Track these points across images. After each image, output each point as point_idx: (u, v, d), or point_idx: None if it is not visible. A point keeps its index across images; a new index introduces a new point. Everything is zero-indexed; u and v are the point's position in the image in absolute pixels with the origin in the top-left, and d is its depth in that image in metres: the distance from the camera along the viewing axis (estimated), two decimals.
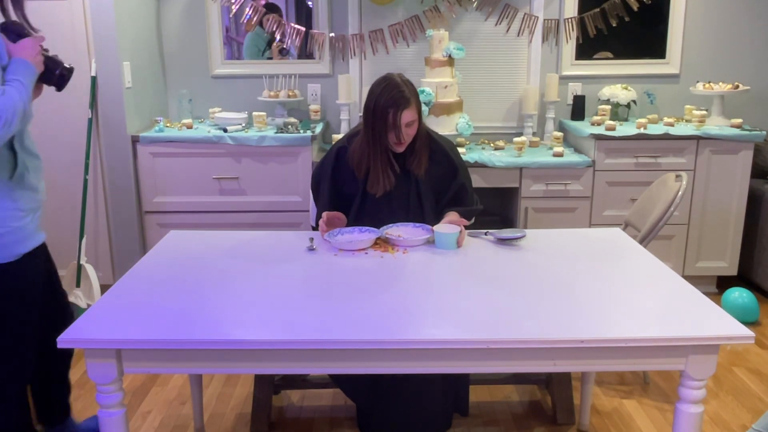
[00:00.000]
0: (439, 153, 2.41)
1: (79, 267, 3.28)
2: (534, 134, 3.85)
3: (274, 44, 3.88)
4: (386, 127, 2.25)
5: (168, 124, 3.69)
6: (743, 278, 3.75)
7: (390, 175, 2.33)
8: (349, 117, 3.78)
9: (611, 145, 3.45)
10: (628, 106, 3.81)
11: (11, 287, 1.87)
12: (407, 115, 2.24)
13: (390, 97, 2.22)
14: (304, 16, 3.86)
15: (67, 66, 2.04)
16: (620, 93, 3.78)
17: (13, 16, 1.96)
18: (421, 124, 2.34)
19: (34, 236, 1.93)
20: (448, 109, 3.51)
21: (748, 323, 3.24)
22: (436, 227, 2.24)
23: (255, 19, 3.79)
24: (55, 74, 1.99)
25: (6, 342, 1.91)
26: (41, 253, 1.96)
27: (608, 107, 3.77)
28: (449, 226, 2.24)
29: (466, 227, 2.45)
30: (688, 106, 3.79)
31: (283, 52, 3.90)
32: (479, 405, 2.64)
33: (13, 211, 1.87)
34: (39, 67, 1.90)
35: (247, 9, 3.77)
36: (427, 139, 2.39)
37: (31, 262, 1.91)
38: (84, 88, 3.32)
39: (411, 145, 2.35)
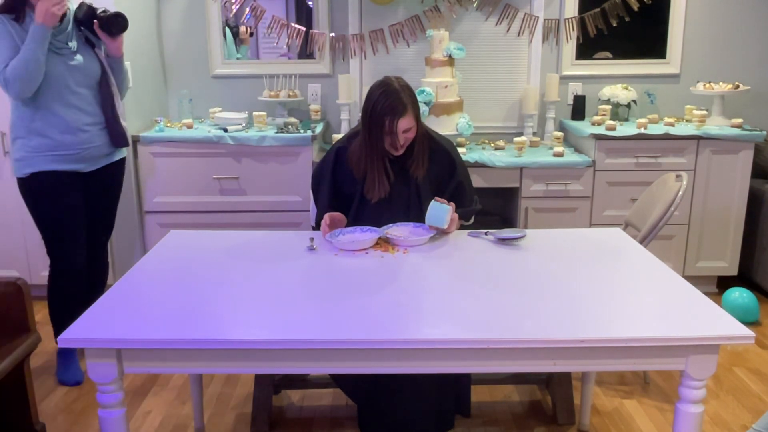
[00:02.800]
0: (439, 152, 2.41)
1: None
2: (534, 134, 3.85)
3: (241, 31, 3.89)
4: (382, 133, 2.25)
5: (168, 124, 3.69)
6: (743, 278, 3.75)
7: (385, 182, 2.33)
8: (349, 117, 3.78)
9: (611, 145, 3.45)
10: (628, 106, 3.81)
11: (28, 194, 2.69)
12: (404, 123, 2.24)
13: (387, 104, 2.22)
14: (304, 16, 3.87)
15: (105, 14, 2.69)
16: (620, 93, 3.78)
17: None
18: (419, 129, 2.33)
19: (40, 165, 2.63)
20: (449, 109, 3.51)
21: (748, 323, 3.24)
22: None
23: (255, 19, 3.79)
24: (103, 24, 2.68)
25: (47, 233, 2.74)
26: (52, 176, 2.66)
27: (608, 107, 3.76)
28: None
29: (465, 227, 2.45)
30: (688, 106, 3.79)
31: (252, 34, 3.92)
32: (479, 405, 2.64)
33: (23, 145, 2.64)
34: (50, 21, 2.49)
35: (247, 9, 3.77)
36: (426, 141, 2.38)
37: (35, 180, 2.64)
38: None
39: (410, 148, 2.34)
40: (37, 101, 2.59)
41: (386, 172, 2.33)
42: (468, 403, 2.39)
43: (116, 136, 2.80)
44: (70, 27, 2.65)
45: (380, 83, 2.28)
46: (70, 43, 2.63)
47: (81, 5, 2.68)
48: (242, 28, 3.90)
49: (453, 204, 2.29)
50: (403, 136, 2.26)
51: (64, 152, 2.65)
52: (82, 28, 2.71)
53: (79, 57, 2.66)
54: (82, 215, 2.78)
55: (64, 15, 2.62)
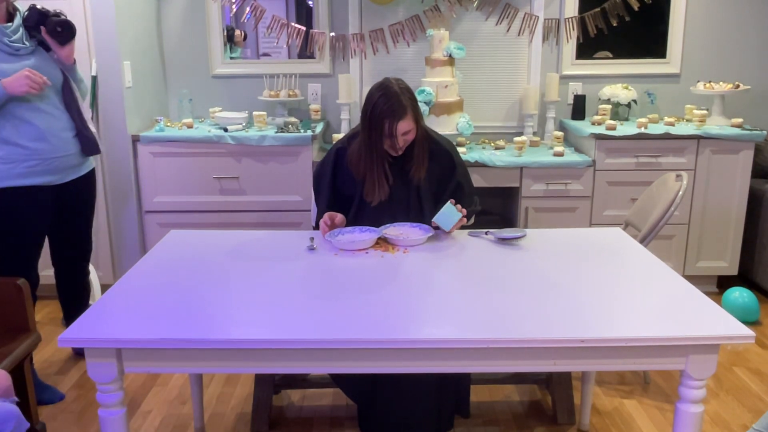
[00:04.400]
0: (439, 153, 2.41)
1: None
2: (534, 134, 3.85)
3: (236, 34, 3.89)
4: (382, 135, 2.25)
5: (168, 124, 3.69)
6: (744, 278, 3.75)
7: (384, 185, 2.33)
8: (349, 117, 3.78)
9: (612, 144, 3.45)
10: (628, 105, 3.81)
11: None
12: (403, 126, 2.23)
13: (387, 107, 2.21)
14: (304, 15, 3.87)
15: (54, 19, 2.53)
16: (621, 92, 3.78)
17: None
18: (419, 131, 2.33)
19: (8, 180, 2.49)
20: (449, 108, 3.51)
21: (748, 323, 3.24)
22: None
23: (256, 19, 3.79)
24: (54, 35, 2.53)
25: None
26: (20, 194, 2.53)
27: (609, 107, 3.77)
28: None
29: (464, 227, 2.45)
30: (688, 106, 3.79)
31: (245, 37, 3.93)
32: (479, 405, 2.64)
33: None
34: (16, 93, 2.41)
35: (248, 9, 3.77)
36: (426, 142, 2.38)
37: (6, 196, 2.50)
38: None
39: (410, 150, 2.34)
40: (3, 108, 2.46)
41: (386, 176, 2.33)
42: (468, 403, 2.39)
43: (86, 143, 2.68)
44: (21, 29, 2.51)
45: (380, 85, 2.28)
46: (27, 42, 2.51)
47: (30, 8, 2.54)
48: (237, 32, 3.90)
49: (465, 211, 2.28)
50: (403, 138, 2.26)
51: (36, 161, 2.52)
52: (33, 32, 2.55)
53: (36, 59, 2.52)
54: (43, 237, 2.68)
55: (15, 15, 2.52)
